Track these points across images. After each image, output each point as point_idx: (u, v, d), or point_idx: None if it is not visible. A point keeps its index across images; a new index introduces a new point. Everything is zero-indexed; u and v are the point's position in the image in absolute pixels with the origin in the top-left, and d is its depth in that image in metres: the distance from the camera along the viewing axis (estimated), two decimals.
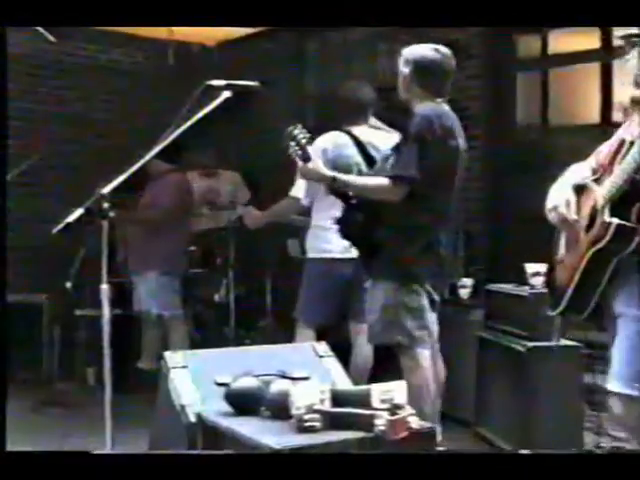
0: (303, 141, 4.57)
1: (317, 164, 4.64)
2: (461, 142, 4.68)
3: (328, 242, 5.46)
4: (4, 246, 4.56)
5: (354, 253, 5.07)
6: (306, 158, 4.60)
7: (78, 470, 3.01)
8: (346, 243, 5.08)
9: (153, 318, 6.89)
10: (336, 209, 5.34)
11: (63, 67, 8.87)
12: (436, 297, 4.75)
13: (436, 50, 4.73)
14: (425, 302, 4.66)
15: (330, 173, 4.65)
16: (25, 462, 3.11)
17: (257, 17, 4.40)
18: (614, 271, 3.63)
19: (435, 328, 4.78)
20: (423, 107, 4.62)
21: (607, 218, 3.61)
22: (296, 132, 4.58)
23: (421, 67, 4.71)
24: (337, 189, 4.71)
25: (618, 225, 3.56)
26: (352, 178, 4.78)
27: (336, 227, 4.89)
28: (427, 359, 4.65)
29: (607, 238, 3.57)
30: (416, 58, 4.73)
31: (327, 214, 5.45)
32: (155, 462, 3.12)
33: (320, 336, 5.17)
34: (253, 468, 2.99)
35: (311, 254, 5.69)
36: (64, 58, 8.86)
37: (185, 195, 7.09)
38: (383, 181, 4.53)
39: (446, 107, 4.68)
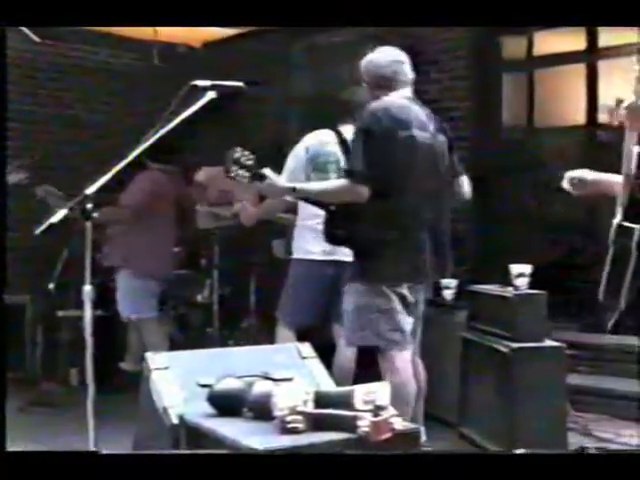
0: (249, 162, 4.47)
1: (273, 179, 4.57)
2: (421, 134, 4.63)
3: (311, 243, 5.47)
4: (4, 246, 4.52)
5: (337, 255, 5.08)
6: (261, 177, 4.52)
7: (79, 470, 3.00)
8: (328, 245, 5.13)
9: (125, 319, 6.84)
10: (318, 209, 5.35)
11: (55, 69, 8.87)
12: (411, 299, 4.69)
13: (380, 51, 4.83)
14: (396, 305, 4.61)
15: (289, 184, 4.65)
16: (25, 462, 3.10)
17: (253, 17, 4.36)
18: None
19: (409, 330, 4.70)
20: (372, 104, 4.66)
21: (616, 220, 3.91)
22: (237, 155, 4.48)
23: (366, 70, 4.81)
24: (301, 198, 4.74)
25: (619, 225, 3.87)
26: (311, 185, 4.83)
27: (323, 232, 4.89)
28: (403, 360, 4.64)
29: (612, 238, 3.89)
30: (363, 64, 4.83)
31: (310, 213, 5.46)
32: (155, 461, 3.11)
33: (303, 337, 5.17)
34: (244, 468, 2.98)
35: (295, 255, 5.68)
36: (54, 59, 8.87)
37: (156, 195, 6.72)
38: (340, 182, 4.56)
39: (397, 100, 4.69)
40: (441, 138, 4.77)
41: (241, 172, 4.47)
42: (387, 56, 4.80)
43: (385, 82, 4.75)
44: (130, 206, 6.62)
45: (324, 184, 4.82)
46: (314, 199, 4.74)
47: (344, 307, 4.78)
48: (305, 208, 5.55)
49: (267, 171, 4.54)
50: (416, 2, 4.03)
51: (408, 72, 4.81)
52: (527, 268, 5.26)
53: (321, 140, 5.46)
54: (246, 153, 4.48)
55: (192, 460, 3.14)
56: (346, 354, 5.52)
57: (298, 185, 4.67)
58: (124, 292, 6.74)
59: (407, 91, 4.78)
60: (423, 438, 4.62)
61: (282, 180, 4.63)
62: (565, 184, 4.40)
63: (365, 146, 4.49)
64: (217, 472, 2.99)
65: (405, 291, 4.63)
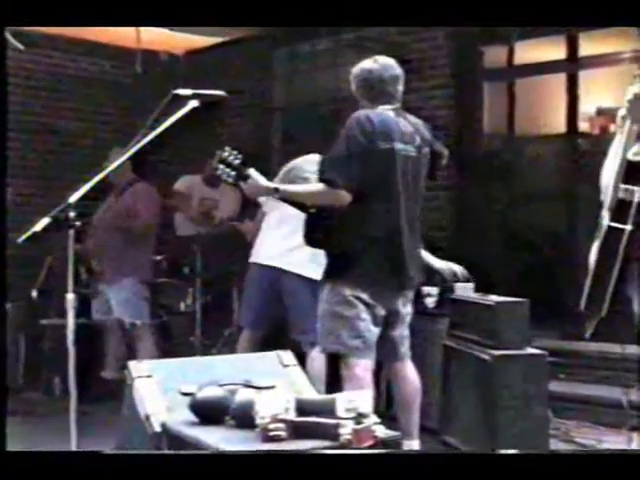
0: (236, 162, 4.52)
1: (257, 179, 4.59)
2: (404, 147, 4.66)
3: (262, 246, 5.74)
4: (4, 247, 4.50)
5: (281, 262, 5.31)
6: (245, 177, 4.56)
7: (79, 470, 2.98)
8: (280, 249, 5.49)
9: (126, 326, 6.88)
10: (272, 215, 5.49)
11: (30, 75, 8.83)
12: (382, 312, 4.68)
13: (374, 60, 4.80)
14: (360, 312, 4.61)
15: (272, 185, 4.66)
16: (25, 462, 3.09)
17: (250, 17, 4.33)
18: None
19: (373, 338, 4.69)
20: (356, 113, 4.67)
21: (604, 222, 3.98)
22: (225, 155, 4.54)
23: (358, 79, 4.81)
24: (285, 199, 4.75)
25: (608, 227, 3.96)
26: (293, 187, 4.83)
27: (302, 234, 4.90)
28: (363, 368, 4.64)
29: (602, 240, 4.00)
30: (354, 72, 4.83)
31: (268, 218, 5.59)
32: (158, 462, 3.09)
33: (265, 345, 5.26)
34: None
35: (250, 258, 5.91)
36: (30, 66, 8.83)
37: (156, 205, 7.10)
38: (321, 186, 4.55)
39: (381, 112, 4.69)
40: (425, 150, 4.77)
41: (227, 171, 4.53)
42: (379, 66, 4.78)
43: (371, 93, 4.77)
44: (146, 217, 6.91)
45: (306, 187, 4.87)
46: (295, 201, 4.74)
47: (317, 313, 4.83)
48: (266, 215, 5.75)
49: (252, 171, 4.57)
50: (421, 2, 4.01)
51: (398, 85, 4.80)
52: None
53: (305, 159, 5.64)
54: (234, 152, 4.55)
55: (196, 460, 3.13)
56: (314, 362, 5.51)
57: (281, 186, 4.68)
58: (126, 299, 6.89)
59: (394, 103, 4.77)
60: (416, 447, 4.70)
61: (265, 181, 4.63)
62: None
63: (345, 153, 4.52)
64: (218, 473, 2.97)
65: (370, 299, 4.62)
